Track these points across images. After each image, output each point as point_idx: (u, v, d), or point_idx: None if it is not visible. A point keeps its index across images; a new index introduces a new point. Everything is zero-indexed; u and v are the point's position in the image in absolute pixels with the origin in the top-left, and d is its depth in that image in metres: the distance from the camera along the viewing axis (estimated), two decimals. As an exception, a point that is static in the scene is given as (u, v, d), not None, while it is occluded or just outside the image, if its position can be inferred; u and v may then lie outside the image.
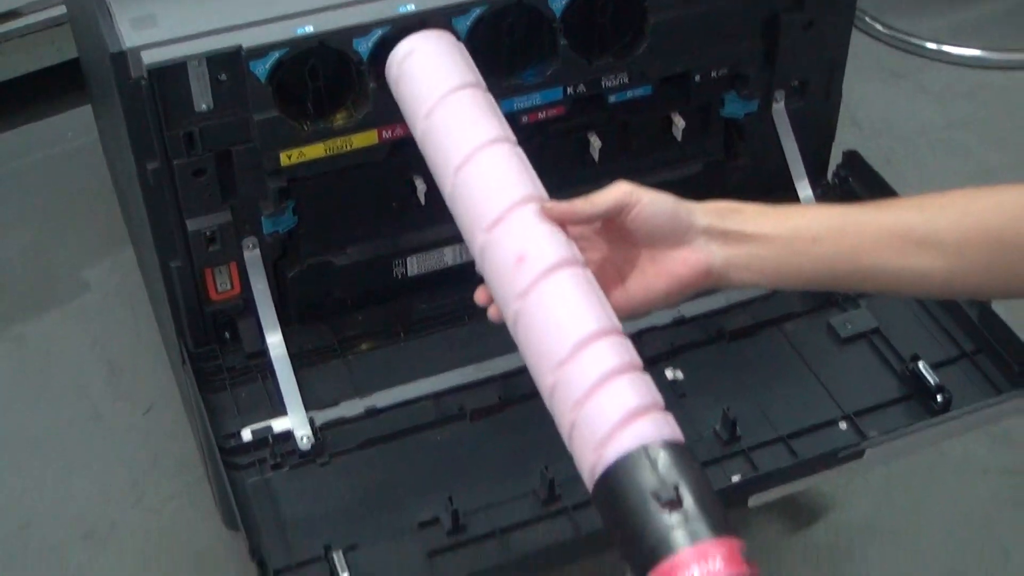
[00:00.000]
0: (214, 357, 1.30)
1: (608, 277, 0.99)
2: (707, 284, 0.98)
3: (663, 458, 0.83)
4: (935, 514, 1.59)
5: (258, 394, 1.27)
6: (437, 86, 1.08)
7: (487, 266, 0.98)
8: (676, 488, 0.81)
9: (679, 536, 0.78)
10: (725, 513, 0.82)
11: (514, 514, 1.17)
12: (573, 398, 0.87)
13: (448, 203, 1.04)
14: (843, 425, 1.23)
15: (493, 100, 1.09)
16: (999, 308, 1.28)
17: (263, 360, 1.28)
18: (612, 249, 1.01)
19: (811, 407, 1.25)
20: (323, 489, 1.20)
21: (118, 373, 1.75)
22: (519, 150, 1.03)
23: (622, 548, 0.82)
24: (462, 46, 1.14)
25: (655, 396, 0.87)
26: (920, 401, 1.25)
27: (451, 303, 1.36)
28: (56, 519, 1.59)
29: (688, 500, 0.80)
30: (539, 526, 1.16)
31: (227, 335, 1.31)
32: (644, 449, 0.83)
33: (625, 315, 0.95)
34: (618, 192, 0.97)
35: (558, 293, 0.93)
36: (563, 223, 0.98)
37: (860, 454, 1.19)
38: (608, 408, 0.86)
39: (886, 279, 0.96)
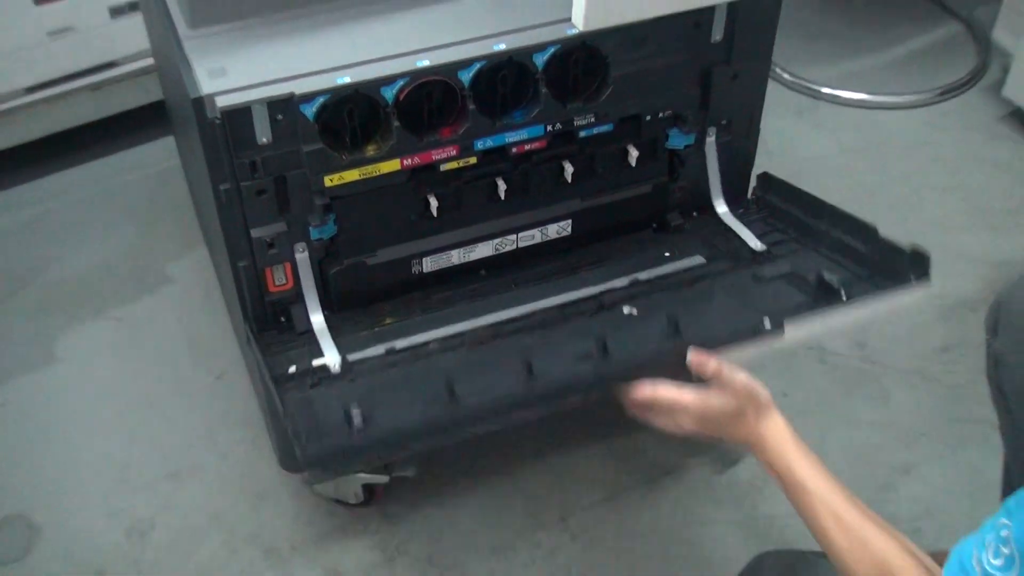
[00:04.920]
0: (272, 337, 1.29)
1: None
2: None
3: None
4: (829, 456, 1.58)
5: (304, 356, 1.25)
6: None
7: None
8: None
9: None
10: None
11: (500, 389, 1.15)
12: None
13: None
14: (767, 322, 1.20)
15: None
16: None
17: (310, 335, 1.27)
18: None
19: (740, 319, 1.23)
20: (349, 394, 1.18)
21: (196, 347, 1.75)
22: None
23: None
24: None
25: None
26: (829, 303, 1.24)
27: (457, 293, 1.36)
28: (148, 461, 1.59)
29: None
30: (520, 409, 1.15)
31: (282, 319, 1.31)
32: None
33: None
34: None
35: None
36: None
37: (780, 326, 1.19)
38: None
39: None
